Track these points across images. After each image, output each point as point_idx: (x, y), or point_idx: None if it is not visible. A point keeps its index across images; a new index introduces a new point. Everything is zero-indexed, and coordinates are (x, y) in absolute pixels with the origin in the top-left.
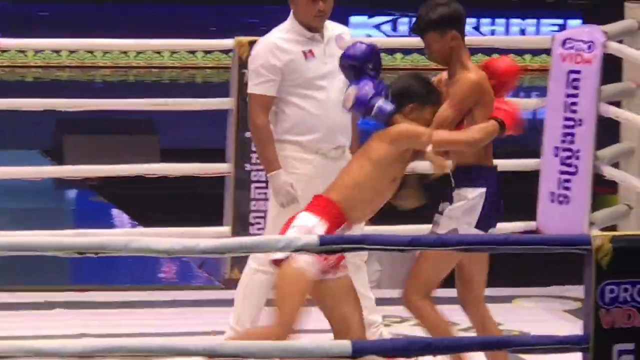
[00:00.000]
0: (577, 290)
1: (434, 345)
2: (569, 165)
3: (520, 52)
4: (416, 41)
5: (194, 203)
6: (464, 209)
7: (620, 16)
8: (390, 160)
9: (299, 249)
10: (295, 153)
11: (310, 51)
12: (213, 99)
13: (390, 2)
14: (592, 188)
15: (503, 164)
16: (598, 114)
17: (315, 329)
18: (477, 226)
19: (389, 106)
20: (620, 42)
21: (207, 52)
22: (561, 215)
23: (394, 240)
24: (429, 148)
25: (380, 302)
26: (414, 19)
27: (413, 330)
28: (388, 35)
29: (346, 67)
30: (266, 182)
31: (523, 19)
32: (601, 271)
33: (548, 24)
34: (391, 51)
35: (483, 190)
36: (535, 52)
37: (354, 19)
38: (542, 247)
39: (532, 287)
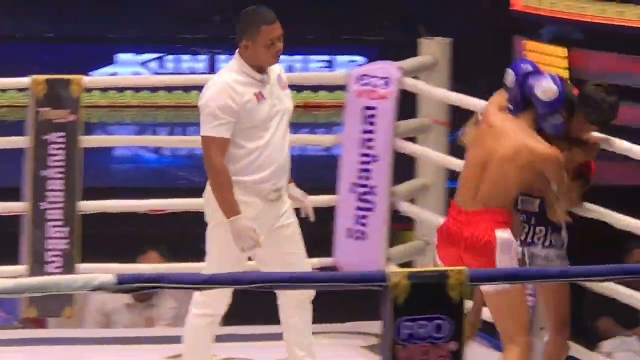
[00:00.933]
0: (375, 326)
1: None
2: (366, 201)
3: (315, 88)
4: (181, 79)
5: None
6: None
7: (416, 52)
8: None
9: (96, 288)
10: (239, 196)
11: (261, 93)
12: (10, 138)
13: (157, 39)
14: (388, 224)
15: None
16: (394, 150)
17: None
18: None
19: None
20: (417, 77)
21: (2, 90)
22: (358, 251)
23: (189, 279)
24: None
25: (175, 339)
26: (183, 56)
27: None
28: (156, 73)
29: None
30: (63, 219)
31: (320, 54)
32: (398, 307)
33: (345, 61)
34: (155, 89)
35: None
36: (331, 89)
37: (121, 57)
38: (338, 284)
39: (330, 323)
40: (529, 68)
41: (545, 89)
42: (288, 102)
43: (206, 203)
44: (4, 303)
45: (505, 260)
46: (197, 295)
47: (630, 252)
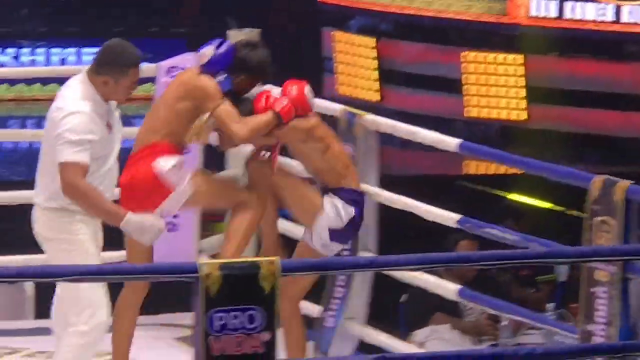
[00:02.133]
0: (187, 318)
1: None
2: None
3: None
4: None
5: None
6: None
7: None
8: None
9: None
10: (79, 215)
11: (108, 123)
12: None
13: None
14: (200, 215)
15: None
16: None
17: None
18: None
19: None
20: None
21: None
22: (169, 243)
23: (2, 273)
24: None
25: None
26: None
27: None
28: None
29: None
30: None
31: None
32: (210, 299)
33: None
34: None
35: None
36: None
37: None
38: (149, 276)
39: (142, 315)
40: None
41: (201, 54)
42: (120, 127)
43: (44, 225)
44: None
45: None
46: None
47: (454, 243)
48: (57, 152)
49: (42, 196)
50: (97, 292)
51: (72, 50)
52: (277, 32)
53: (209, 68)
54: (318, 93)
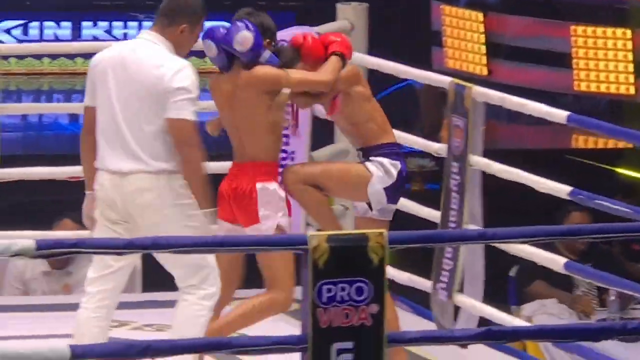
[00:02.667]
0: (296, 291)
1: (153, 347)
2: (284, 166)
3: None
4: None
5: None
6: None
7: (333, 18)
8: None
9: (15, 254)
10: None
11: None
12: None
13: (20, 6)
14: None
15: (214, 167)
16: (313, 115)
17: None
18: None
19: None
20: None
21: None
22: None
23: (109, 244)
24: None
25: None
26: (46, 23)
27: (131, 334)
28: (19, 40)
29: None
30: None
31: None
32: (318, 271)
33: None
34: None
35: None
36: None
37: None
38: (260, 248)
39: (249, 289)
40: (222, 29)
41: (241, 40)
42: None
43: (159, 193)
44: None
45: (269, 210)
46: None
47: (567, 215)
48: (175, 108)
49: (149, 160)
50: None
51: None
52: (388, 6)
53: (256, 52)
54: (427, 66)
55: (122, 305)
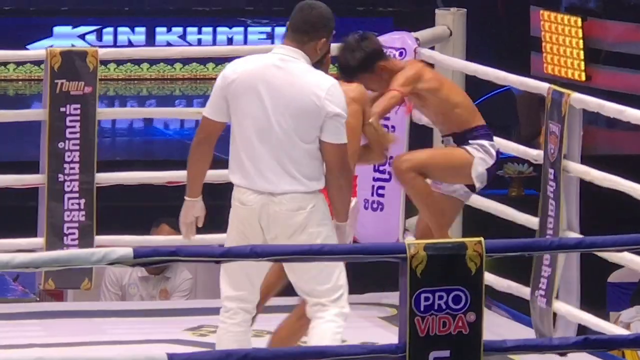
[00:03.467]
0: (393, 297)
1: (251, 355)
2: (382, 172)
3: None
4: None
5: (5, 216)
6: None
7: (430, 24)
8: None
9: (113, 262)
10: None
11: None
12: (26, 110)
13: (94, 12)
14: (405, 194)
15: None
16: (410, 120)
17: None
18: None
19: None
20: (432, 48)
21: (18, 64)
22: (375, 222)
23: (207, 252)
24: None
25: (191, 312)
26: (120, 28)
27: None
28: (92, 45)
29: None
30: (79, 191)
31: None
32: (416, 279)
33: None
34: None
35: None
36: None
37: (58, 30)
38: (357, 257)
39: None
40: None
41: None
42: None
43: (312, 213)
44: (22, 276)
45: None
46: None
47: None
48: (334, 131)
49: (303, 179)
50: (343, 273)
51: (267, 29)
52: (486, 11)
53: None
54: (526, 72)
55: None
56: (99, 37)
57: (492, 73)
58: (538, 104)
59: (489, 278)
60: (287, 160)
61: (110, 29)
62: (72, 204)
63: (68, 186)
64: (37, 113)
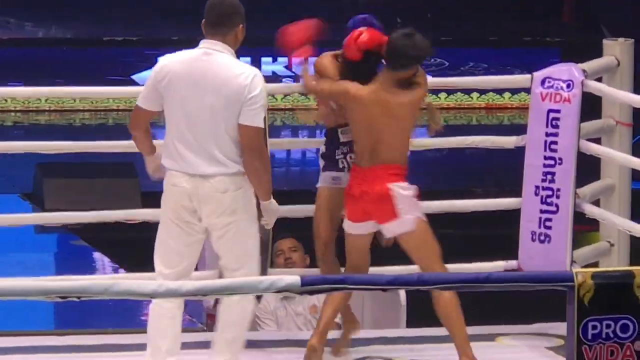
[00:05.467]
0: (560, 328)
1: None
2: (550, 204)
3: (499, 91)
4: None
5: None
6: None
7: (597, 54)
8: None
9: (281, 290)
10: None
11: None
12: None
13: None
14: (572, 226)
15: (483, 204)
16: (578, 152)
17: None
18: None
19: None
20: (599, 79)
21: None
22: (543, 254)
23: (374, 280)
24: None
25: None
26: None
27: None
28: None
29: None
30: None
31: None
32: (583, 307)
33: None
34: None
35: None
36: (514, 91)
37: None
38: (525, 284)
39: (515, 324)
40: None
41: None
42: None
43: (234, 195)
44: (188, 305)
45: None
46: None
47: None
48: (251, 115)
49: (228, 162)
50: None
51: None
52: None
53: None
54: None
55: (388, 341)
56: None
57: None
58: None
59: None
60: (214, 145)
61: None
62: None
63: None
64: None
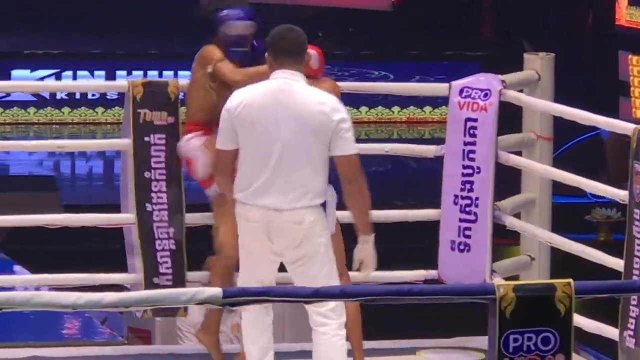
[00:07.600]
0: (480, 341)
1: None
2: (469, 212)
3: (419, 104)
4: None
5: (99, 257)
6: None
7: (519, 68)
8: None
9: (202, 302)
10: None
11: None
12: (109, 140)
13: (51, 56)
14: (492, 236)
15: (404, 215)
16: (496, 162)
17: None
18: None
19: None
20: (521, 92)
21: (106, 108)
22: (462, 263)
23: (295, 292)
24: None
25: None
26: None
27: None
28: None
29: None
30: (167, 222)
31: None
32: (505, 320)
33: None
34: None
35: None
36: (435, 104)
37: (15, 73)
38: (446, 297)
39: (436, 338)
40: None
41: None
42: None
43: (316, 225)
44: (110, 319)
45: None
46: None
47: None
48: (344, 143)
49: (310, 194)
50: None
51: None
52: (574, 55)
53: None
54: (614, 116)
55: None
56: (58, 80)
57: (577, 114)
58: (627, 148)
59: (578, 319)
60: (296, 179)
61: (69, 73)
62: (161, 233)
63: (156, 216)
64: (121, 143)
